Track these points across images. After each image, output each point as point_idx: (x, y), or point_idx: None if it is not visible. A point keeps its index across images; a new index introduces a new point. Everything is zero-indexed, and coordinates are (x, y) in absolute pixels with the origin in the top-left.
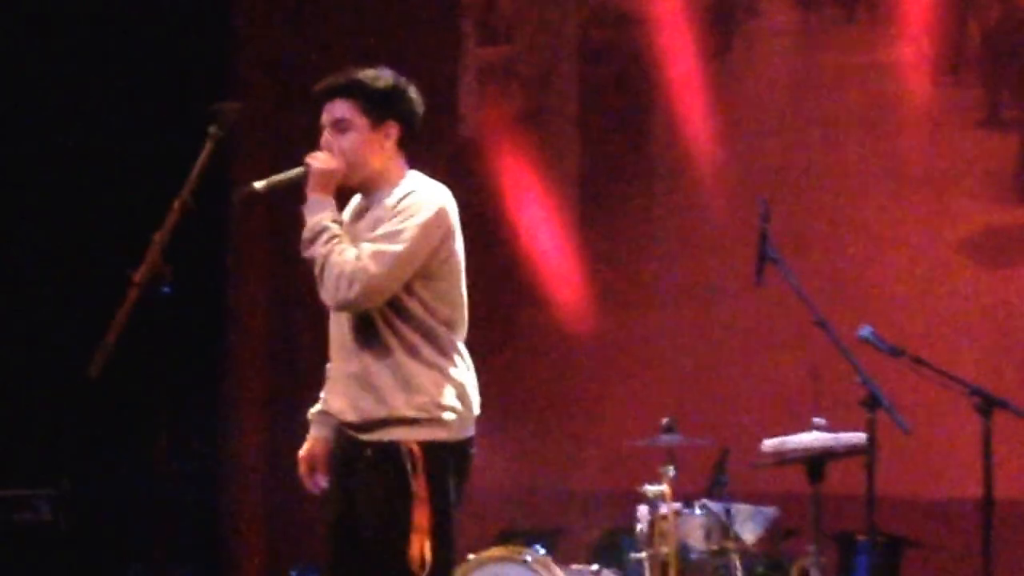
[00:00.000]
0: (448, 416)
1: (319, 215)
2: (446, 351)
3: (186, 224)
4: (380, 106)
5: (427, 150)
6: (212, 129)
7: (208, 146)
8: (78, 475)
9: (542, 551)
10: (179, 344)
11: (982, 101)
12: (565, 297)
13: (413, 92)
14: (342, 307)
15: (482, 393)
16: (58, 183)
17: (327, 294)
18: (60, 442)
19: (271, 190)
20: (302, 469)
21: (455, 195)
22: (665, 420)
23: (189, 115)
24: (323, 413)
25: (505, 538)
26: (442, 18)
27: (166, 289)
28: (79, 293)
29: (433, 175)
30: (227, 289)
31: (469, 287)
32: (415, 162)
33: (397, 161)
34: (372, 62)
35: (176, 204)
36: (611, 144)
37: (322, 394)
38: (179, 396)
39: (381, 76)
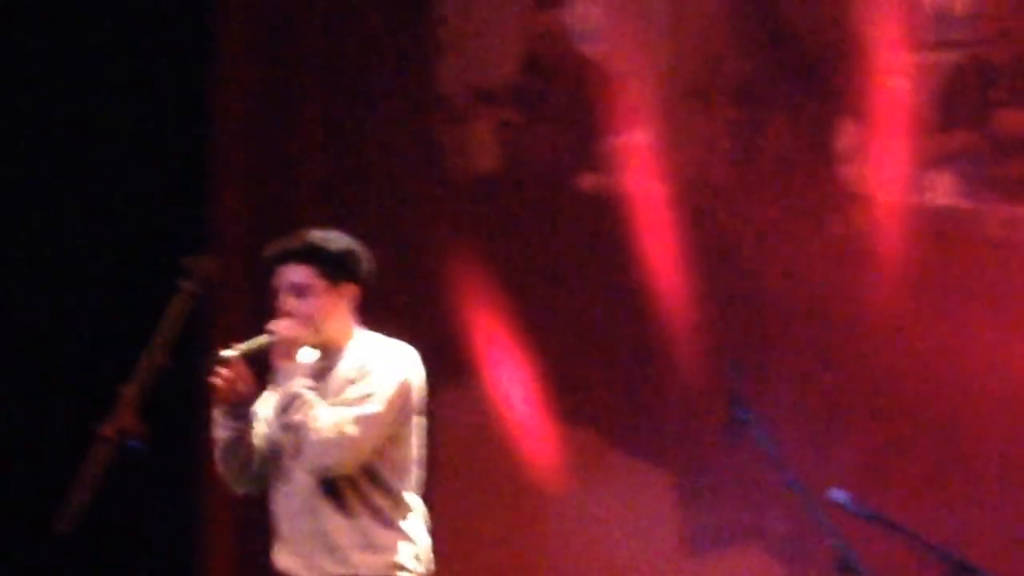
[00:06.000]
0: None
1: (291, 382)
2: (406, 511)
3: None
4: (337, 269)
5: None
6: (186, 284)
7: (180, 302)
8: None
9: None
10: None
11: None
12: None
13: (366, 252)
14: (322, 472)
15: None
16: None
17: (307, 460)
18: None
19: (241, 357)
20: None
21: None
22: None
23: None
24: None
25: None
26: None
27: (136, 444)
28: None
29: None
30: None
31: None
32: None
33: (351, 320)
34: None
35: (148, 360)
36: None
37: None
38: None
39: (335, 239)
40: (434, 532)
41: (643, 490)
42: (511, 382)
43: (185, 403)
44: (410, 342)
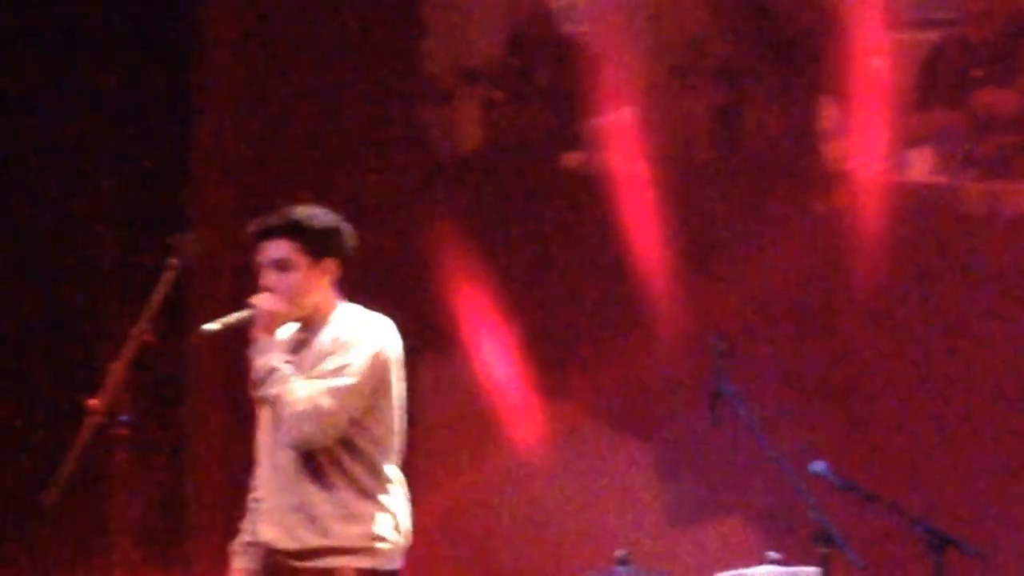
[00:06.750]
0: (383, 546)
1: (267, 356)
2: (385, 482)
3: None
4: (319, 245)
5: None
6: (172, 260)
7: (167, 277)
8: None
9: None
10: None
11: None
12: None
13: (348, 229)
14: (301, 444)
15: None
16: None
17: (286, 433)
18: None
19: (225, 330)
20: None
21: None
22: (619, 552)
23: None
24: (250, 544)
25: None
26: None
27: (124, 417)
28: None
29: None
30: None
31: None
32: None
33: (332, 294)
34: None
35: (134, 335)
36: None
37: (245, 524)
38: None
39: (318, 215)
40: (419, 504)
41: (626, 464)
42: (496, 358)
43: (171, 378)
44: (396, 319)
